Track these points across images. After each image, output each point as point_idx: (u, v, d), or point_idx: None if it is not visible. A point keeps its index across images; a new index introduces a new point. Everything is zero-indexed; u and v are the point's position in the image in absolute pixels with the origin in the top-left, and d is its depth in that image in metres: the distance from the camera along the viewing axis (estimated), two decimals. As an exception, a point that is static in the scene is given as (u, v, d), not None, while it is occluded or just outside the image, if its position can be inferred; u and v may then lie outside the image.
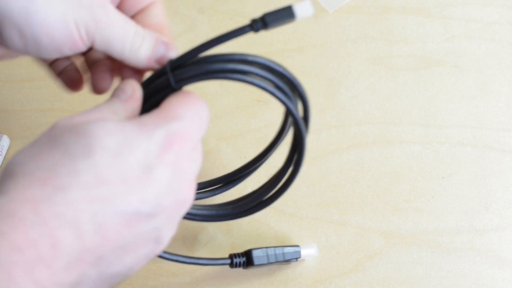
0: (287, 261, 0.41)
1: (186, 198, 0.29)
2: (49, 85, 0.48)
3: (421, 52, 0.49)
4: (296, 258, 0.41)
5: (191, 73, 0.32)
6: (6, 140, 0.45)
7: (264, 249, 0.40)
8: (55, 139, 0.27)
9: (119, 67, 0.36)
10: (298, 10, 0.33)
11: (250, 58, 0.34)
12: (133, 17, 0.37)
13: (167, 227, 0.29)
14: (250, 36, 0.50)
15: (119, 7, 0.37)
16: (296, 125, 0.33)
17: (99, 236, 0.25)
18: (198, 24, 0.50)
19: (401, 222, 0.43)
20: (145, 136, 0.28)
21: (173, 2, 0.50)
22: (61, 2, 0.29)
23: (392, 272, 0.42)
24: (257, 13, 0.51)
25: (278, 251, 0.41)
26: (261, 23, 0.35)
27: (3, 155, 0.45)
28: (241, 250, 0.42)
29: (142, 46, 0.33)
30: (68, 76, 0.37)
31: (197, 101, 0.31)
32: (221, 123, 0.46)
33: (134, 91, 0.32)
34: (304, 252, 0.41)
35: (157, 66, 0.33)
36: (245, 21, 0.52)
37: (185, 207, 0.29)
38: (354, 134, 0.46)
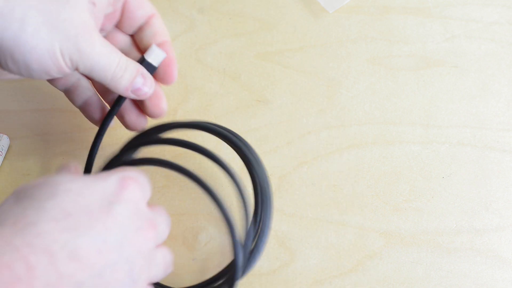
0: None
1: (149, 232, 0.32)
2: (49, 85, 0.48)
3: (421, 52, 0.49)
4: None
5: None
6: (6, 140, 0.45)
7: None
8: (20, 195, 0.30)
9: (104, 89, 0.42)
10: (150, 59, 0.39)
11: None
12: (135, 34, 0.41)
13: (139, 261, 0.31)
14: (250, 36, 0.50)
15: (119, 26, 0.40)
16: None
17: (74, 263, 0.27)
18: (198, 24, 0.50)
19: (401, 222, 0.43)
20: (101, 180, 0.31)
21: (173, 2, 0.50)
22: (48, 33, 0.32)
23: (392, 272, 0.42)
24: (257, 13, 0.52)
25: None
26: None
27: (3, 155, 0.45)
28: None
29: (123, 76, 0.37)
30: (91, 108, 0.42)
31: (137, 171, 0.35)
32: (221, 123, 0.46)
33: (76, 167, 0.37)
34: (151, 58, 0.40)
35: (132, 96, 0.38)
36: (245, 21, 0.53)
37: (153, 241, 0.32)
38: (354, 134, 0.46)
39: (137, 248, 0.31)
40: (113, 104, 0.40)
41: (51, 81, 0.41)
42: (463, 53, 0.49)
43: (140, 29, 0.40)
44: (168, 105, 0.46)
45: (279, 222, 0.43)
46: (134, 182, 0.33)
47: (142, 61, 0.39)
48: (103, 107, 0.42)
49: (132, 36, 0.41)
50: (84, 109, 0.42)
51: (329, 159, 0.45)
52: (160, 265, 0.34)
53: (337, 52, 0.49)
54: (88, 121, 0.47)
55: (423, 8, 0.51)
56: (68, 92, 0.42)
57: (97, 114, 0.41)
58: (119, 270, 0.30)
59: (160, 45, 0.40)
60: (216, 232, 0.43)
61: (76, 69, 0.35)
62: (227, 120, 0.46)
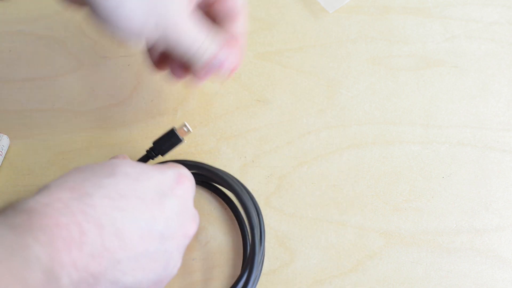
0: None
1: (190, 230, 0.34)
2: (49, 85, 0.48)
3: (421, 52, 0.49)
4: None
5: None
6: (6, 140, 0.45)
7: None
8: (81, 168, 0.32)
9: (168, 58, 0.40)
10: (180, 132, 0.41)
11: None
12: (215, 18, 0.40)
13: (175, 255, 0.33)
14: (250, 36, 0.50)
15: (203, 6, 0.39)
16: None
17: (118, 241, 0.29)
18: (198, 24, 0.50)
19: (401, 222, 0.43)
20: (159, 171, 0.33)
21: (173, 2, 0.50)
22: (146, 11, 0.32)
23: (392, 272, 0.42)
24: (257, 13, 0.52)
25: None
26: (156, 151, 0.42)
27: (3, 155, 0.45)
28: (241, 250, 0.42)
29: (203, 55, 0.36)
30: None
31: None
32: (221, 123, 0.46)
33: (125, 156, 0.39)
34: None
35: (207, 74, 0.38)
36: (245, 21, 0.52)
37: (189, 239, 0.34)
38: (354, 134, 0.46)
39: (176, 243, 0.33)
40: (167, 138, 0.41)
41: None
42: (463, 53, 0.49)
43: (225, 18, 0.39)
44: (168, 105, 0.46)
45: (279, 222, 0.43)
46: (189, 181, 0.35)
47: (171, 130, 0.41)
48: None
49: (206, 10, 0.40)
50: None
51: (329, 159, 0.45)
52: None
53: (337, 52, 0.49)
54: (88, 121, 0.47)
55: (423, 8, 0.51)
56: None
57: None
58: (156, 260, 0.32)
59: (232, 43, 0.38)
60: (216, 232, 0.43)
61: (160, 40, 0.34)
62: (227, 120, 0.46)
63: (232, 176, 0.43)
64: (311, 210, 0.43)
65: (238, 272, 0.41)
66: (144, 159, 0.42)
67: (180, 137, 0.41)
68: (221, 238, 0.42)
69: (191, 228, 0.34)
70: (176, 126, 0.41)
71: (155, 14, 0.33)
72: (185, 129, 0.41)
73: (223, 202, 0.44)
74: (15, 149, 0.45)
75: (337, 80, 0.48)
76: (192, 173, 0.42)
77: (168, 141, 0.41)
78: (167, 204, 0.32)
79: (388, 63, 0.49)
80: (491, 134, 0.46)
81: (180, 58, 0.37)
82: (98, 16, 0.32)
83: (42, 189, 0.30)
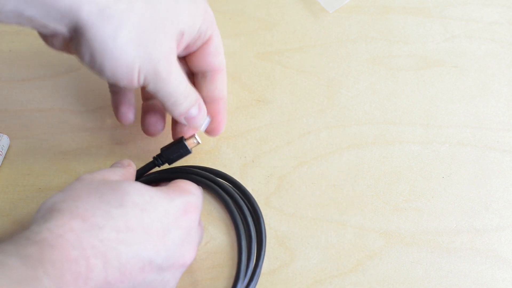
0: None
1: (188, 259, 0.35)
2: (49, 85, 0.48)
3: (421, 52, 0.49)
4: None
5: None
6: (6, 140, 0.45)
7: None
8: (90, 187, 0.33)
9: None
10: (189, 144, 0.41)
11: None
12: (195, 72, 0.42)
13: (171, 283, 0.35)
14: (250, 36, 0.50)
15: (186, 58, 0.42)
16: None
17: (119, 274, 0.30)
18: (198, 24, 0.50)
19: (401, 222, 0.43)
20: (167, 200, 0.34)
21: (173, 2, 0.50)
22: (134, 49, 0.33)
23: (392, 272, 0.42)
24: (257, 13, 0.52)
25: None
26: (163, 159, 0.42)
27: (3, 155, 0.45)
28: (241, 250, 0.42)
29: (182, 104, 0.38)
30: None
31: (196, 185, 0.38)
32: (221, 123, 0.46)
33: (129, 163, 0.40)
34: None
35: (184, 122, 0.40)
36: (245, 21, 0.53)
37: (186, 267, 0.35)
38: (354, 134, 0.46)
39: (173, 272, 0.34)
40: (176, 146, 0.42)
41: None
42: (463, 53, 0.49)
43: (203, 74, 0.42)
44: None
45: (279, 222, 0.43)
46: (195, 210, 0.36)
47: (180, 141, 0.41)
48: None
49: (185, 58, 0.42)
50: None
51: (329, 159, 0.45)
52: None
53: (337, 52, 0.49)
54: (88, 121, 0.47)
55: (423, 8, 0.51)
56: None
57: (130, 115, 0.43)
58: None
59: (215, 102, 0.42)
60: (216, 232, 0.43)
61: (144, 86, 0.36)
62: (227, 120, 0.46)
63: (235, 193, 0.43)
64: (311, 210, 0.43)
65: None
66: (150, 165, 0.42)
67: (189, 148, 0.41)
68: (221, 238, 0.42)
69: (190, 257, 0.35)
70: (185, 136, 0.41)
71: (145, 51, 0.34)
72: (194, 141, 0.41)
73: (223, 201, 0.43)
74: (15, 149, 0.45)
75: (337, 80, 0.48)
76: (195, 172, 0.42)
77: (176, 151, 0.41)
78: (171, 236, 0.33)
79: (388, 63, 0.49)
80: (491, 134, 0.46)
81: (162, 104, 0.38)
82: (92, 47, 0.33)
83: (53, 211, 0.31)
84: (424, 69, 0.48)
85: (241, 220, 0.41)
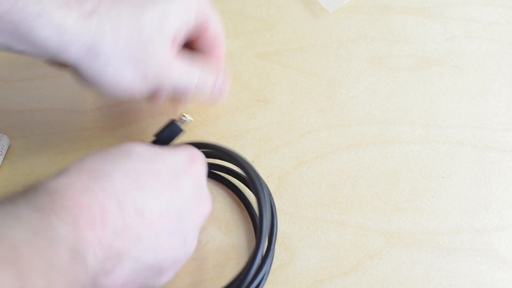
0: None
1: (205, 210, 0.35)
2: (49, 85, 0.48)
3: (421, 52, 0.49)
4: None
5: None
6: (6, 140, 0.45)
7: None
8: (95, 152, 0.32)
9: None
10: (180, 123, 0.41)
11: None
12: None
13: (192, 233, 0.34)
14: (250, 36, 0.50)
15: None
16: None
17: (138, 218, 0.30)
18: (198, 24, 0.50)
19: (401, 222, 0.43)
20: (172, 153, 0.34)
21: (173, 2, 0.50)
22: (129, 73, 0.34)
23: (392, 272, 0.42)
24: (257, 13, 0.52)
25: None
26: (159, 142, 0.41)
27: (3, 155, 0.45)
28: (241, 250, 0.42)
29: (206, 85, 0.39)
30: None
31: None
32: (221, 123, 0.46)
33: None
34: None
35: (216, 97, 0.41)
36: (245, 21, 0.53)
37: (204, 219, 0.35)
38: (354, 134, 0.46)
39: (193, 221, 0.34)
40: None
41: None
42: (463, 53, 0.49)
43: (208, 48, 0.42)
44: (168, 105, 0.46)
45: (279, 222, 0.43)
46: (201, 160, 0.36)
47: (171, 122, 0.41)
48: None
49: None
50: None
51: (329, 159, 0.45)
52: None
53: (337, 52, 0.49)
54: (88, 121, 0.47)
55: (423, 8, 0.51)
56: None
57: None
58: (175, 237, 0.32)
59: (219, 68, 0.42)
60: (216, 232, 0.43)
61: (157, 88, 0.37)
62: (227, 120, 0.46)
63: (243, 157, 0.42)
64: (311, 210, 0.43)
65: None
66: None
67: (181, 127, 0.41)
68: (221, 238, 0.42)
69: (207, 208, 0.35)
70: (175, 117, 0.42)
71: (141, 68, 0.34)
72: (184, 118, 0.41)
73: (223, 202, 0.43)
74: (15, 149, 0.45)
75: (337, 80, 0.48)
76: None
77: (169, 132, 0.41)
78: (183, 184, 0.33)
79: (388, 63, 0.49)
80: (491, 134, 0.46)
81: (185, 95, 0.39)
82: (84, 80, 0.34)
83: (61, 172, 0.30)
84: (424, 69, 0.48)
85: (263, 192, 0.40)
